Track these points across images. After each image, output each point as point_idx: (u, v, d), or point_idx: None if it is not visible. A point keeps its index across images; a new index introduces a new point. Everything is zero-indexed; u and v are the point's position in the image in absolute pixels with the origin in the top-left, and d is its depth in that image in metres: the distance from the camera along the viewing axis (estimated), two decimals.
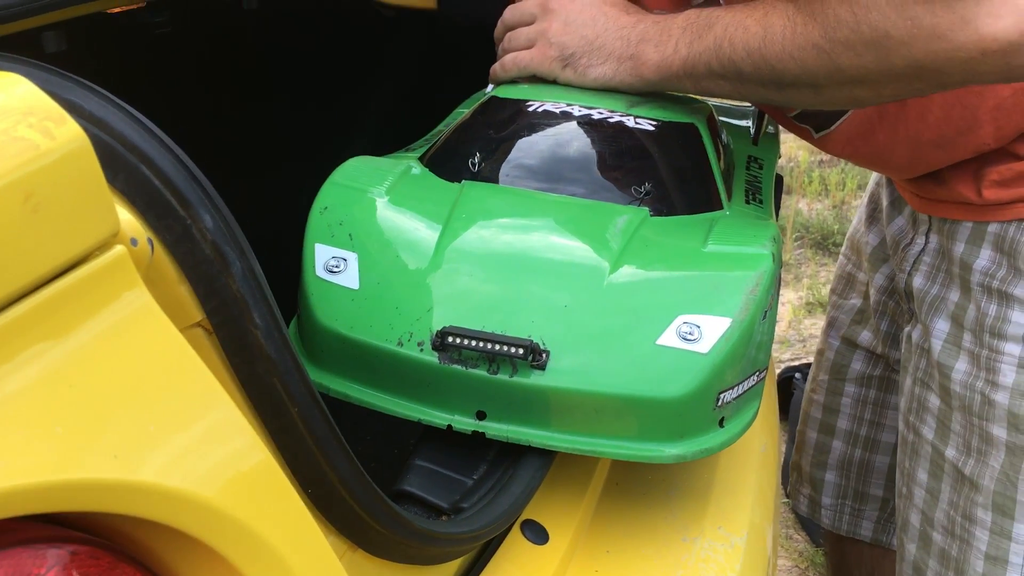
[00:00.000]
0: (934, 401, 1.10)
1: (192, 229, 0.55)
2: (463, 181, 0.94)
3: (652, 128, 0.99)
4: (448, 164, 0.98)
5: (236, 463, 0.48)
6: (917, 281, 1.12)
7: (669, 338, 0.79)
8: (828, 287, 3.13)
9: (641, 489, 0.91)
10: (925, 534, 1.13)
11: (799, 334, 2.97)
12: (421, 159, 1.01)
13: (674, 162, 0.98)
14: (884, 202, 1.24)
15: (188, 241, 0.55)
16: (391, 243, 0.88)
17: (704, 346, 0.79)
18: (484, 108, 1.04)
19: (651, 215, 0.91)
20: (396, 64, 1.73)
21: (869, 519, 1.37)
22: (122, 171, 0.54)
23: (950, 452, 1.08)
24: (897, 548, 1.18)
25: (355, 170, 0.95)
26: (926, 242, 1.13)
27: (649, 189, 0.93)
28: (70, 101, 0.53)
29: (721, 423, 0.82)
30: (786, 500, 1.89)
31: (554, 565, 0.78)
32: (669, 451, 0.79)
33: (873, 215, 1.29)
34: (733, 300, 0.81)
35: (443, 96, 1.27)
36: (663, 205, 0.93)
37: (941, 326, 1.09)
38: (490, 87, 1.17)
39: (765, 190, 1.06)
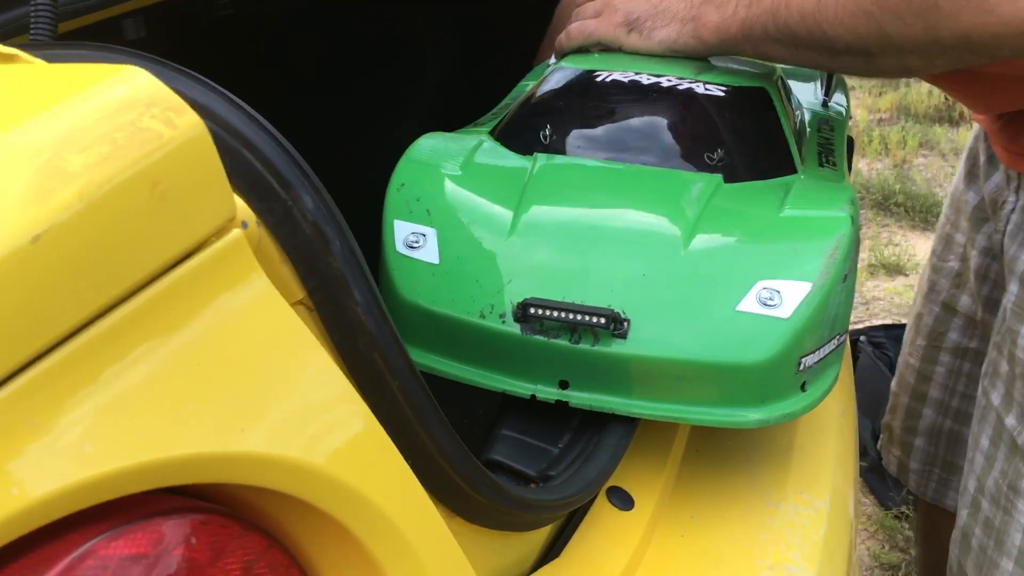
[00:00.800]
0: (1004, 367, 1.08)
1: (293, 210, 0.57)
2: (535, 154, 0.95)
3: (722, 94, 0.99)
4: (519, 137, 0.99)
5: (350, 434, 0.50)
6: (1007, 240, 1.10)
7: (749, 304, 0.80)
8: (890, 248, 3.10)
9: (722, 455, 0.91)
10: (976, 501, 1.12)
11: (862, 296, 2.95)
12: (491, 133, 1.02)
13: (746, 127, 0.98)
14: (982, 158, 1.21)
15: (289, 222, 0.57)
16: (468, 217, 0.89)
17: (785, 311, 0.79)
18: (551, 80, 1.04)
19: (725, 182, 0.91)
20: (443, 42, 1.74)
21: (955, 488, 1.35)
22: (226, 155, 0.55)
23: (1010, 420, 1.07)
24: (957, 511, 1.17)
25: (428, 147, 0.97)
26: (1017, 199, 1.10)
27: (722, 156, 0.93)
28: (176, 90, 0.55)
29: (803, 387, 0.83)
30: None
31: (640, 530, 0.79)
32: (752, 416, 0.80)
33: (972, 172, 1.26)
34: (813, 264, 0.81)
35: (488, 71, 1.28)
36: (736, 171, 0.93)
37: (1014, 288, 1.07)
38: (553, 60, 1.17)
39: (838, 152, 1.06)
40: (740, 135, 0.97)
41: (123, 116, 0.43)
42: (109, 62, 0.56)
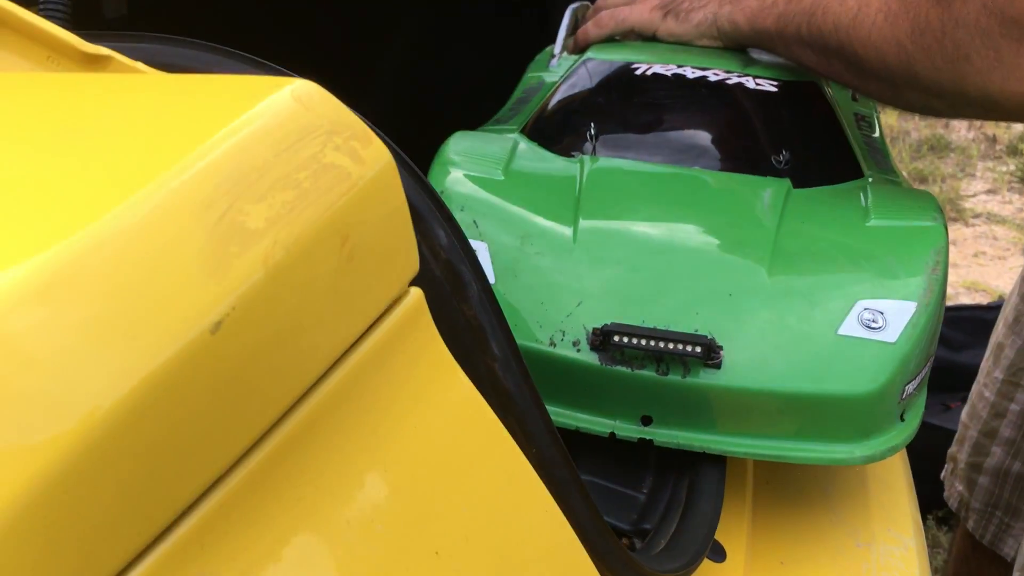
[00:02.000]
0: None
1: (422, 247, 0.46)
2: (581, 157, 0.86)
3: (775, 89, 0.91)
4: (558, 137, 0.89)
5: (544, 544, 0.40)
6: None
7: (851, 327, 0.72)
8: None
9: (795, 490, 0.84)
10: None
11: None
12: (523, 131, 0.91)
13: (806, 126, 0.90)
14: None
15: (420, 261, 0.46)
16: (521, 230, 0.79)
17: (891, 334, 0.72)
18: (584, 72, 0.94)
19: (794, 187, 0.83)
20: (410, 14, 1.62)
21: (1015, 536, 1.28)
22: None
23: None
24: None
25: (463, 148, 0.86)
26: None
27: (787, 157, 0.85)
28: None
29: (902, 417, 0.76)
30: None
31: None
32: (858, 452, 0.73)
33: None
34: (915, 281, 0.74)
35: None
36: (804, 175, 0.85)
37: None
38: (557, 46, 1.08)
39: (885, 151, 0.99)
40: (802, 134, 0.89)
41: (303, 150, 0.32)
42: (193, 60, 0.44)
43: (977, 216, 3.28)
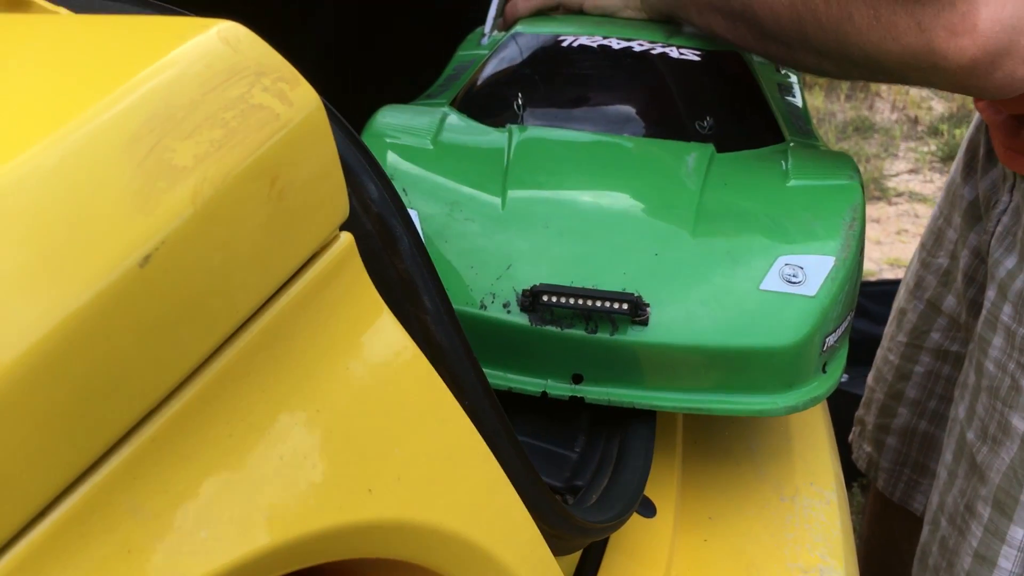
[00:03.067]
0: (972, 378, 1.04)
1: (352, 200, 0.46)
2: (510, 127, 0.86)
3: (698, 58, 0.93)
4: (487, 109, 0.90)
5: (482, 490, 0.41)
6: (993, 243, 1.04)
7: (773, 282, 0.74)
8: None
9: (721, 446, 0.86)
10: (936, 518, 1.08)
11: None
12: (452, 104, 0.92)
13: (729, 93, 0.92)
14: (982, 151, 1.14)
15: (350, 215, 0.46)
16: (451, 197, 0.79)
17: (811, 288, 0.74)
18: (513, 46, 0.95)
19: (717, 151, 0.85)
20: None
21: (924, 492, 1.31)
22: None
23: (970, 435, 1.02)
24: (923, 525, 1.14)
25: (390, 121, 0.86)
26: (1010, 200, 1.03)
27: (711, 123, 0.87)
28: None
29: (824, 368, 0.78)
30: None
31: (668, 538, 0.73)
32: (781, 403, 0.75)
33: (970, 165, 1.18)
34: (833, 237, 0.76)
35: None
36: (727, 140, 0.87)
37: (990, 294, 1.02)
38: (487, 25, 1.08)
39: (806, 117, 1.01)
40: (725, 101, 0.91)
41: (230, 89, 0.32)
42: (133, 13, 0.44)
43: (900, 195, 3.36)
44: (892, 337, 1.31)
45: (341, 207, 0.36)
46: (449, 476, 0.39)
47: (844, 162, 0.84)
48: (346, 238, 0.37)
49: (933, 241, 1.26)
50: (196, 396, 0.31)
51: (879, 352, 1.34)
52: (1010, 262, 0.99)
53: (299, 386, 0.34)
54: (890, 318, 1.33)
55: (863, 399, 1.37)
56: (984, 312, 1.02)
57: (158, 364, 0.30)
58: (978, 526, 0.99)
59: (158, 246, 0.29)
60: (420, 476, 0.38)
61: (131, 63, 0.31)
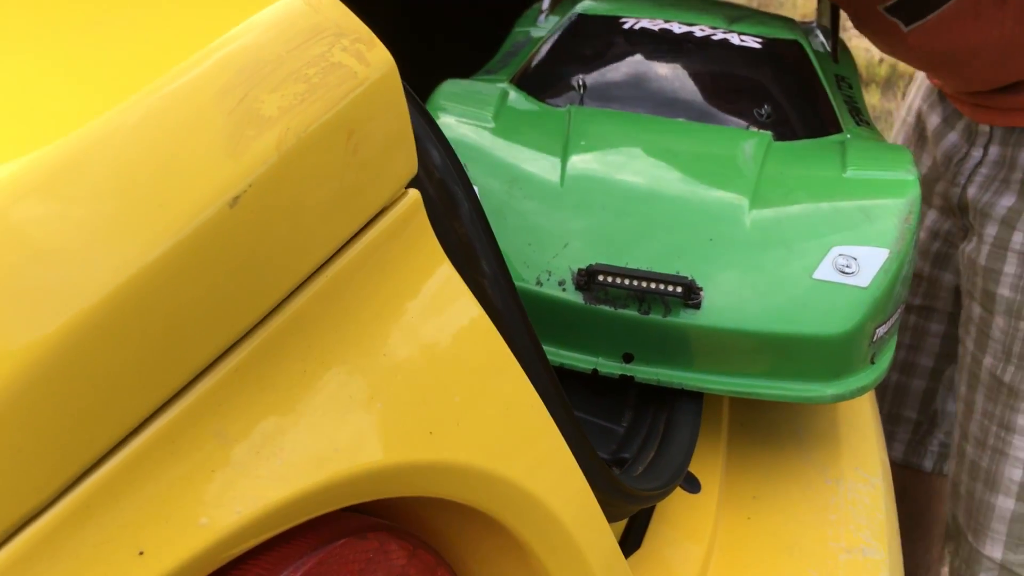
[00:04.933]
0: (976, 310, 1.11)
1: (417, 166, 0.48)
2: (570, 106, 0.88)
3: (759, 46, 0.94)
4: (547, 87, 0.91)
5: (531, 438, 0.43)
6: (971, 192, 1.12)
7: (826, 271, 0.75)
8: None
9: (767, 428, 0.87)
10: (961, 449, 1.14)
11: None
12: (512, 81, 0.94)
13: (788, 82, 0.93)
14: (932, 123, 1.22)
15: (413, 181, 0.48)
16: (510, 174, 0.81)
17: (863, 279, 0.75)
18: (574, 27, 0.97)
19: (774, 140, 0.86)
20: None
21: (900, 440, 1.39)
22: None
23: (987, 360, 1.09)
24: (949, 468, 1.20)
25: (454, 93, 0.88)
26: (984, 154, 1.12)
27: (769, 111, 0.88)
28: None
29: (872, 359, 0.79)
30: None
31: (712, 514, 0.74)
32: (828, 391, 0.76)
33: (920, 139, 1.26)
34: (888, 229, 0.77)
35: None
36: (785, 128, 0.88)
37: (990, 230, 1.09)
38: (545, 2, 1.10)
39: (863, 110, 1.02)
40: (784, 90, 0.92)
41: (313, 48, 0.34)
42: None
43: None
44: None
45: (410, 165, 0.38)
46: (505, 425, 0.41)
47: (903, 156, 0.85)
48: (413, 194, 0.39)
49: None
50: (276, 331, 0.33)
51: None
52: (1007, 200, 1.07)
53: (367, 329, 0.36)
54: None
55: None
56: (986, 248, 1.09)
57: (243, 297, 0.32)
58: (1020, 438, 1.06)
59: (246, 188, 0.31)
60: (478, 423, 0.40)
61: (222, 20, 0.33)
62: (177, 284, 0.30)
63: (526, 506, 0.42)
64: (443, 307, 0.40)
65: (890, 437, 1.38)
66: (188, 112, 0.31)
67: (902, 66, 3.87)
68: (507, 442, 0.41)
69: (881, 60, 4.09)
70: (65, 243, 0.28)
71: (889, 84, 3.85)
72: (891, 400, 1.37)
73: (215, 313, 0.31)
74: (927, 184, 1.25)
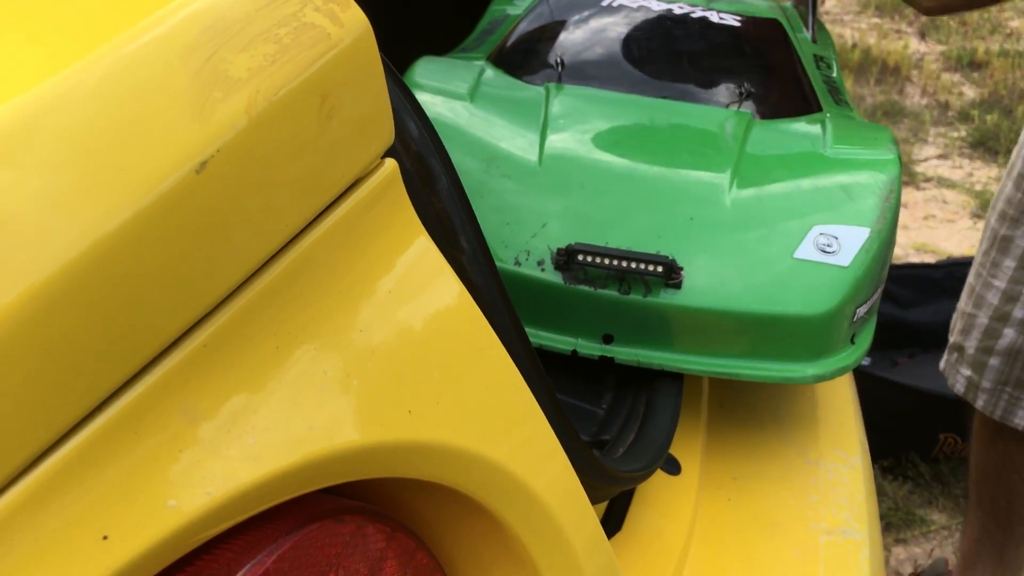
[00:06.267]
0: None
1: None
2: (548, 84, 0.87)
3: (738, 24, 0.93)
4: (524, 65, 0.90)
5: (513, 416, 0.41)
6: None
7: (807, 251, 0.74)
8: None
9: (747, 410, 0.86)
10: None
11: None
12: (489, 59, 0.92)
13: (767, 61, 0.92)
14: None
15: (389, 152, 0.47)
16: (487, 152, 0.80)
17: (844, 258, 0.74)
18: (552, 4, 0.95)
19: (754, 118, 0.85)
20: None
21: None
22: None
23: None
24: None
25: (429, 72, 0.86)
26: None
27: (748, 90, 0.87)
28: None
29: (852, 339, 0.78)
30: None
31: (692, 496, 0.73)
32: (809, 371, 0.75)
33: None
34: (869, 208, 0.76)
35: None
36: (764, 107, 0.87)
37: None
38: None
39: (843, 89, 1.01)
40: (763, 69, 0.91)
41: (283, 7, 0.32)
42: None
43: (928, 180, 3.33)
44: (996, 264, 1.35)
45: (387, 133, 0.37)
46: (487, 404, 0.40)
47: (883, 135, 0.84)
48: (390, 164, 0.37)
49: None
50: (246, 305, 0.31)
51: (976, 280, 1.39)
52: None
53: (342, 304, 0.35)
54: (986, 246, 1.37)
55: (958, 328, 1.42)
56: None
57: (211, 270, 0.30)
58: None
59: (214, 154, 0.29)
60: (459, 401, 0.38)
61: None
62: (139, 255, 0.28)
63: (509, 488, 0.40)
64: (421, 281, 0.38)
65: (1015, 403, 1.35)
66: (151, 71, 0.29)
67: (874, 52, 3.88)
68: (489, 422, 0.40)
69: (854, 46, 4.11)
70: (18, 212, 0.27)
71: (862, 70, 3.87)
72: (1021, 368, 1.36)
73: (181, 286, 0.29)
74: None
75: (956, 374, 1.43)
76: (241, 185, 0.30)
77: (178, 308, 0.29)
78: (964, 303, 1.41)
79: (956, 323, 1.43)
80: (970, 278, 1.40)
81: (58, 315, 0.27)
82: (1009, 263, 1.33)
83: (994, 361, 1.37)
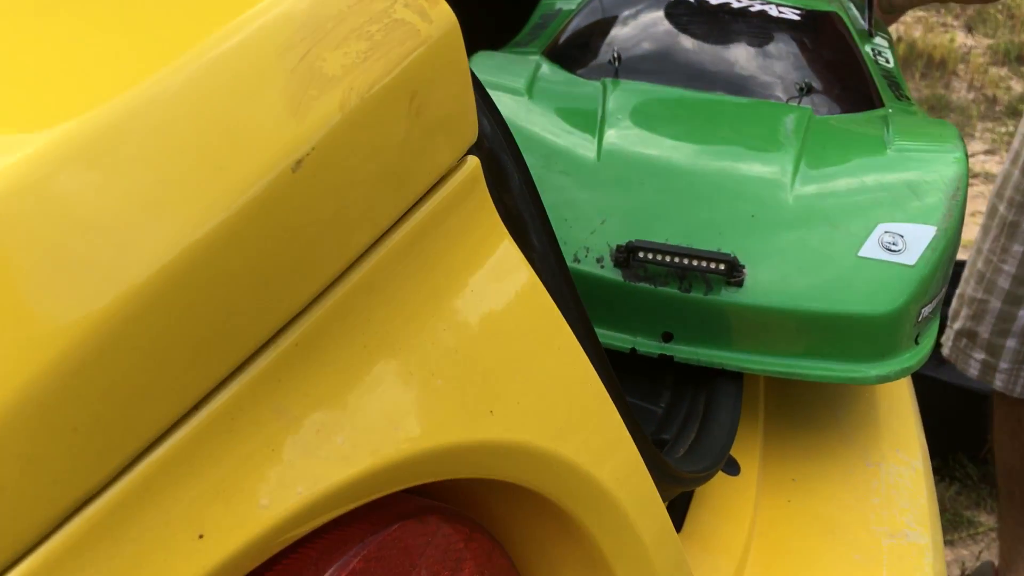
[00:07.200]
0: None
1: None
2: (604, 79, 0.86)
3: (797, 18, 0.91)
4: (580, 60, 0.89)
5: (593, 419, 0.41)
6: None
7: (872, 249, 0.73)
8: None
9: (805, 410, 0.85)
10: None
11: None
12: (544, 54, 0.91)
13: (826, 55, 0.91)
14: None
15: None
16: (546, 148, 0.79)
17: (910, 257, 0.73)
18: None
19: (815, 114, 0.84)
20: None
21: None
22: None
23: None
24: None
25: (486, 67, 0.86)
26: None
27: (808, 85, 0.86)
28: None
29: (916, 340, 0.77)
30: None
31: (752, 496, 0.73)
32: (872, 372, 0.74)
33: None
34: (936, 206, 0.75)
35: None
36: (825, 103, 0.86)
37: None
38: None
39: (902, 84, 1.00)
40: (823, 63, 0.90)
41: (374, 3, 0.32)
42: None
43: (975, 176, 3.28)
44: (1005, 250, 1.37)
45: (471, 129, 0.36)
46: (566, 404, 0.39)
47: (948, 131, 0.83)
48: (473, 161, 0.37)
49: None
50: (336, 304, 0.31)
51: (985, 267, 1.40)
52: None
53: (428, 304, 0.35)
54: (992, 233, 1.38)
55: (969, 314, 1.44)
56: None
57: (303, 268, 0.30)
58: None
59: (310, 151, 0.29)
60: (539, 401, 0.38)
61: None
62: (236, 254, 0.28)
63: (586, 489, 0.40)
64: (503, 280, 0.38)
65: None
66: (248, 69, 0.29)
67: (920, 45, 3.83)
68: (568, 422, 0.39)
69: (899, 39, 4.06)
70: (119, 212, 0.26)
71: (907, 64, 3.82)
72: None
73: (275, 284, 0.29)
74: None
75: (968, 359, 1.47)
76: (333, 183, 0.30)
77: (272, 307, 0.29)
78: (973, 289, 1.43)
79: (961, 309, 1.45)
80: (978, 265, 1.42)
81: (155, 316, 0.27)
82: (1018, 248, 1.37)
83: (1011, 343, 1.41)
